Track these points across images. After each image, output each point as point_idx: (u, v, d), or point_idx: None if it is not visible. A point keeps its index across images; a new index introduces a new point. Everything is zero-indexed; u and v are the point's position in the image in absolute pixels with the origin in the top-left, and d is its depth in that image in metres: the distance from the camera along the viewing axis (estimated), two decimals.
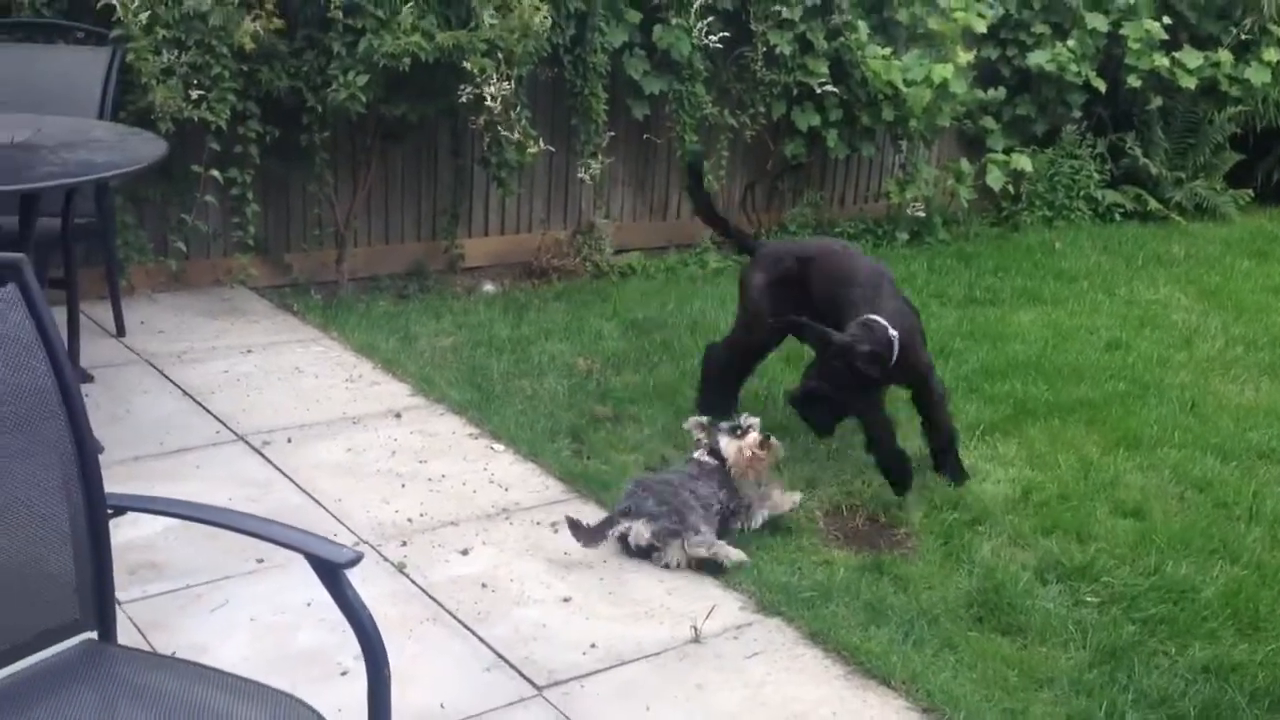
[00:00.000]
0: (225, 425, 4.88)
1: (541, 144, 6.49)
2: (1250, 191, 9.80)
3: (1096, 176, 9.22)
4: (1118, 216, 9.24)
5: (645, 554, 4.07)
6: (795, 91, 7.67)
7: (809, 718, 3.36)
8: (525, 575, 3.97)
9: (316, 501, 4.33)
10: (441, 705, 3.28)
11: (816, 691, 3.48)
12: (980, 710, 3.39)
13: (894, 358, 4.42)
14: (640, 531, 4.05)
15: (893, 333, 4.41)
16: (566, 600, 3.85)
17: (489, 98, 6.10)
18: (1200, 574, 4.15)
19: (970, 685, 3.50)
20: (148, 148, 4.58)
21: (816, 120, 7.75)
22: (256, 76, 5.91)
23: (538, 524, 4.30)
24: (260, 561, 3.84)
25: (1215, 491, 4.80)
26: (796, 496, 4.41)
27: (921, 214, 8.20)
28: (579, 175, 6.98)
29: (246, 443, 4.76)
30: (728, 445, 4.29)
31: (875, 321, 4.43)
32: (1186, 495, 4.77)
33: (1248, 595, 4.03)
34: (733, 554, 4.04)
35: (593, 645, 3.61)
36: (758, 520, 4.28)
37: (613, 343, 6.08)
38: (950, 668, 3.58)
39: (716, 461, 4.29)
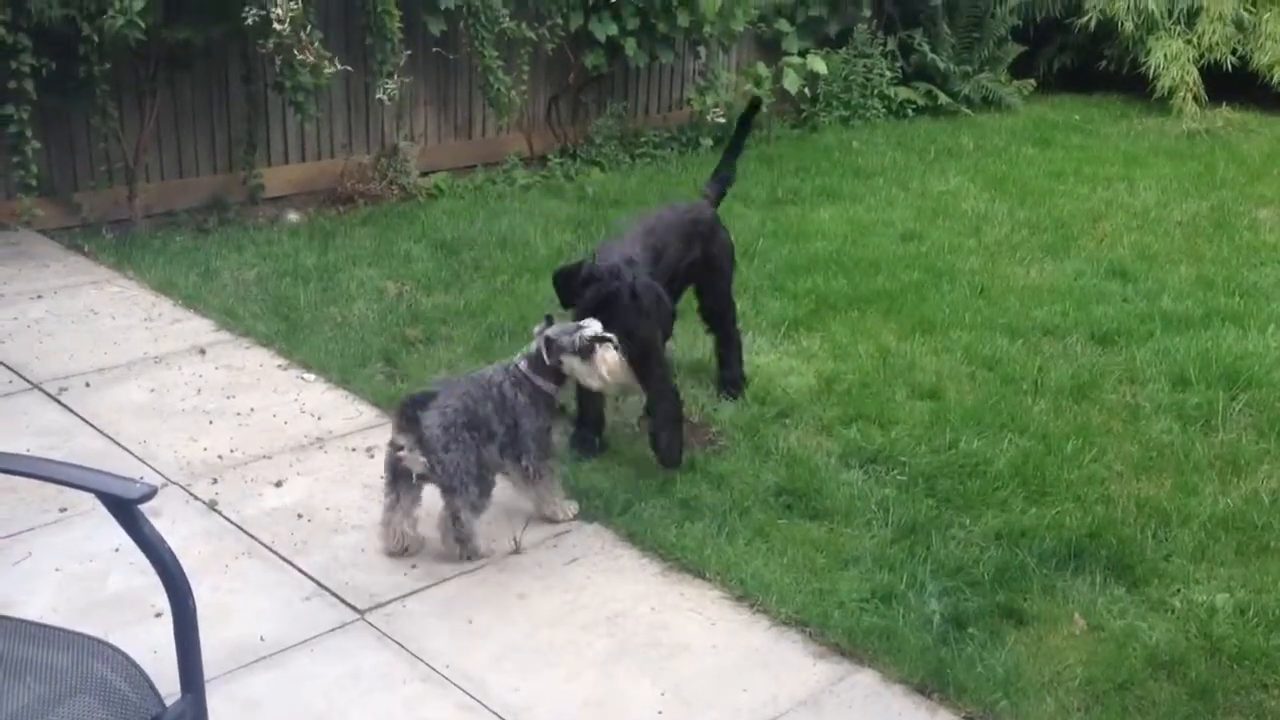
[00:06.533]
0: (18, 374, 4.70)
1: (337, 64, 6.32)
2: (1033, 81, 10.22)
3: (888, 74, 9.48)
4: (910, 112, 9.54)
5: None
6: (591, 1, 7.64)
7: (628, 615, 3.46)
8: (342, 503, 3.96)
9: (120, 445, 4.22)
10: (261, 638, 3.26)
11: (635, 589, 3.58)
12: (790, 593, 3.54)
13: None
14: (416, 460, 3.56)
15: None
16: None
17: (276, 19, 5.91)
18: (991, 447, 4.38)
19: (781, 570, 3.65)
20: None
21: (614, 29, 7.74)
22: (25, 6, 5.60)
23: (353, 450, 4.28)
24: (63, 511, 3.74)
25: (1004, 368, 5.06)
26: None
27: (722, 120, 8.30)
28: (379, 97, 6.84)
29: (42, 390, 4.59)
30: (583, 369, 3.73)
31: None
32: (977, 374, 5.02)
33: (1035, 464, 4.28)
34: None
35: (413, 565, 3.64)
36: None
37: (422, 265, 6.03)
38: (762, 555, 3.73)
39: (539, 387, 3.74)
